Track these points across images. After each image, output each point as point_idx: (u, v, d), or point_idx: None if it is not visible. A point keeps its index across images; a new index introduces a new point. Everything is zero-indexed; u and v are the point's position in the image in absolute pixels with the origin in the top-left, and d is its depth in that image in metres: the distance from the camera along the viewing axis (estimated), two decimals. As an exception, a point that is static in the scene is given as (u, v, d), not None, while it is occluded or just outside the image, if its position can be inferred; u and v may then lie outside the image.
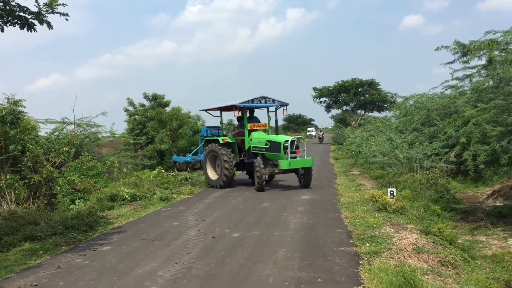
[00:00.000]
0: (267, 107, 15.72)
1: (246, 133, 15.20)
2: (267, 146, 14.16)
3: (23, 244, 7.80)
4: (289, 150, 13.63)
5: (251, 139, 14.95)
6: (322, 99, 60.21)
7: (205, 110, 16.72)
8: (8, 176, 12.03)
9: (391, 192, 10.35)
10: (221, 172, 15.05)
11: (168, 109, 27.31)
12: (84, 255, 7.01)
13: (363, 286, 5.03)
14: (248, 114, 15.76)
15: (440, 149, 15.97)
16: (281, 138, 14.05)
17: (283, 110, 15.68)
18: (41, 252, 7.31)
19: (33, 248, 7.50)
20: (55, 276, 5.95)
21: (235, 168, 15.08)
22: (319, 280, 5.34)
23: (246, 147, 15.11)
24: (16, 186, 11.93)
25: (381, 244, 6.83)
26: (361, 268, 5.71)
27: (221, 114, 16.67)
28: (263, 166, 13.81)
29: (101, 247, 7.49)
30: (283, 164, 13.55)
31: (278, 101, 15.33)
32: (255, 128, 15.39)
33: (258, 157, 14.12)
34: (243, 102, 14.70)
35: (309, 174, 14.19)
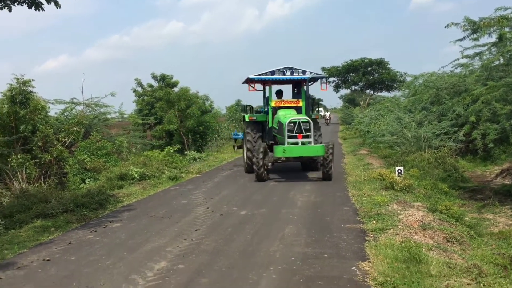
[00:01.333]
0: (300, 80, 12.94)
1: (270, 111, 12.96)
2: (277, 128, 12.21)
3: (35, 221, 7.94)
4: (286, 133, 11.25)
5: (274, 118, 12.86)
6: (331, 79, 59.86)
7: (247, 82, 13.33)
8: (19, 156, 12.20)
9: (399, 171, 10.36)
10: (244, 155, 13.68)
11: (176, 89, 27.33)
12: (95, 231, 7.14)
13: (368, 261, 5.09)
14: (295, 90, 13.72)
15: (449, 128, 15.89)
16: (287, 118, 11.57)
17: (321, 83, 13.18)
18: (52, 229, 7.45)
19: (45, 225, 7.64)
20: (67, 251, 6.08)
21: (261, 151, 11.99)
22: (325, 255, 5.42)
23: (268, 127, 13.14)
24: (27, 165, 12.10)
25: (387, 221, 6.87)
26: (367, 244, 5.78)
27: (263, 88, 13.90)
28: (262, 150, 11.48)
29: (111, 224, 7.62)
30: (277, 151, 11.33)
31: (311, 72, 12.60)
32: (283, 105, 12.92)
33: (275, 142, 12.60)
34: (259, 74, 12.58)
35: (327, 165, 11.33)
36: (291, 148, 11.16)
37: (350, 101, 69.46)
